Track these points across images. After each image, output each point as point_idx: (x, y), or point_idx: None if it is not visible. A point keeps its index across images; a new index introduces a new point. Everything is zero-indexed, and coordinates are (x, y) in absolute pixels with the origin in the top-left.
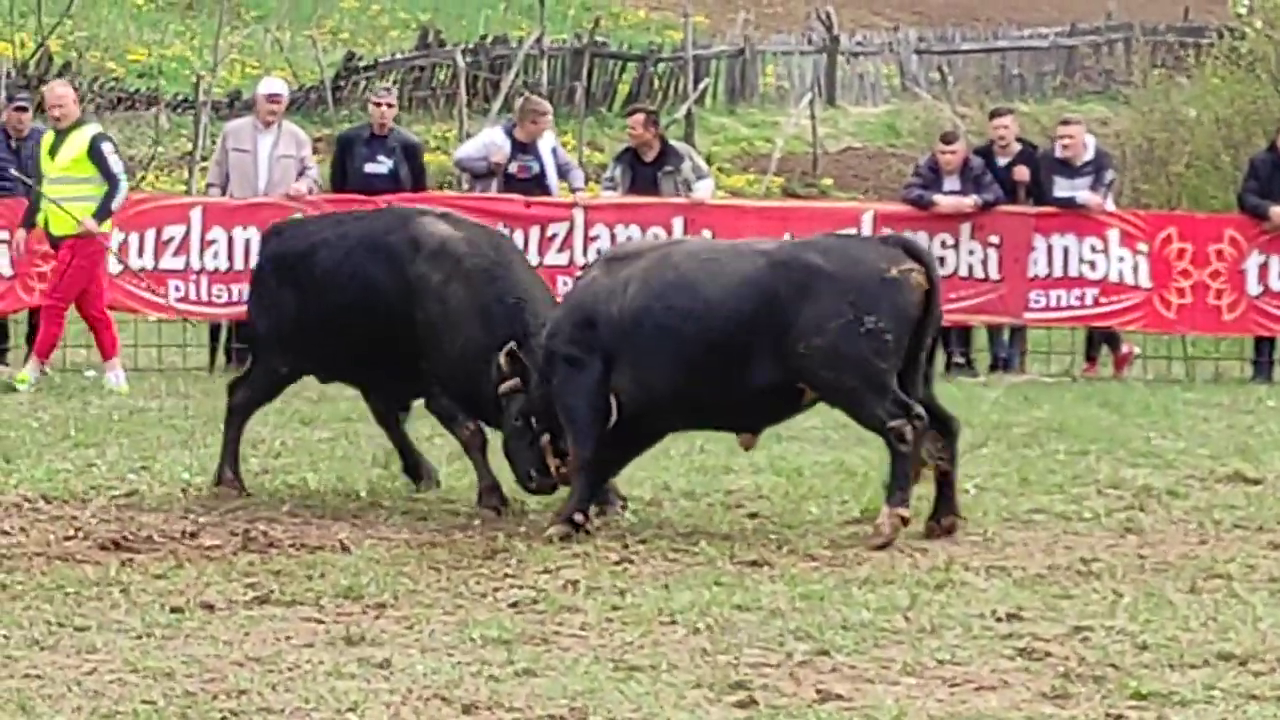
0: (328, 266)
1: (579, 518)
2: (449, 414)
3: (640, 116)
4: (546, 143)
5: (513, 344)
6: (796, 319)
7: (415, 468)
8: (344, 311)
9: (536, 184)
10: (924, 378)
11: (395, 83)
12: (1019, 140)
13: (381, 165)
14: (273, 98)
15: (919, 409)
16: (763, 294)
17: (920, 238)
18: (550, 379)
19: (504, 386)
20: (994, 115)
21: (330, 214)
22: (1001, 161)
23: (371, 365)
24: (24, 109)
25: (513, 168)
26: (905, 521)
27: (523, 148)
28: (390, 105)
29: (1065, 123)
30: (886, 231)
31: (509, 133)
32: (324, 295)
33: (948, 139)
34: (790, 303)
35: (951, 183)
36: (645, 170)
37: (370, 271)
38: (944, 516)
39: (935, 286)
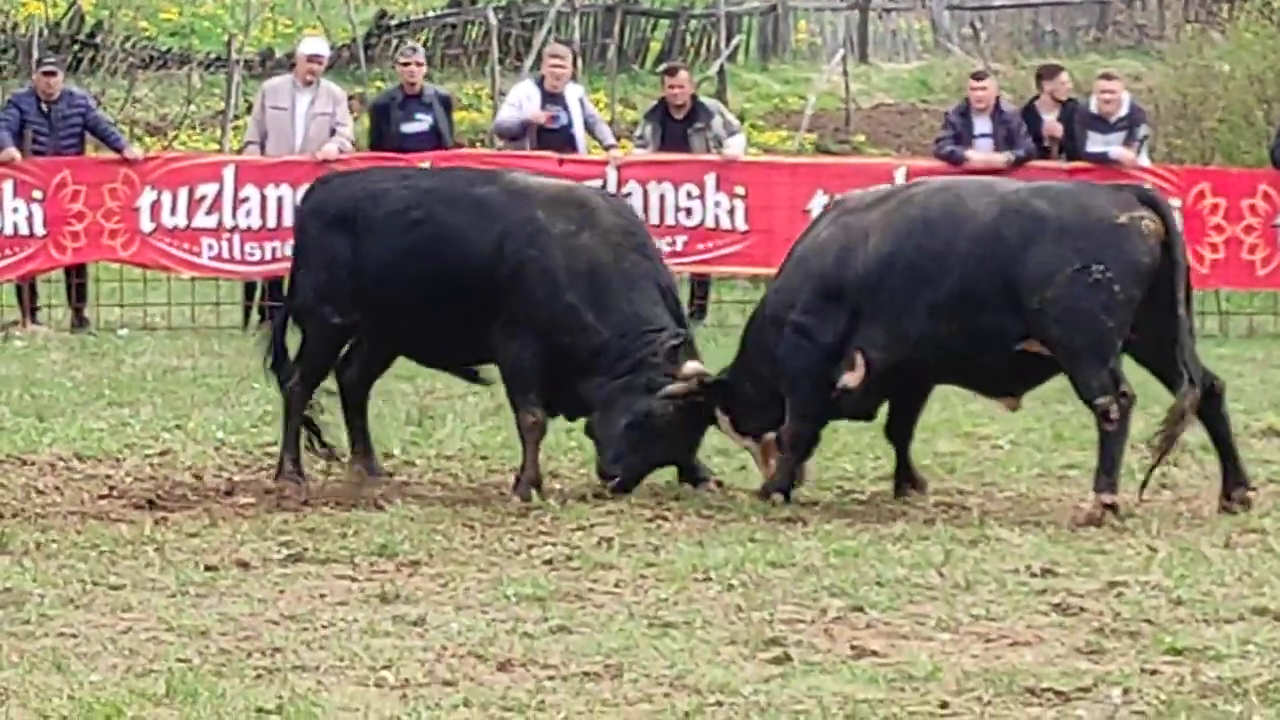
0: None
1: (779, 497)
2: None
3: (686, 74)
4: (574, 94)
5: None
6: (1026, 269)
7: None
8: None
9: (563, 135)
10: (1184, 335)
11: (427, 41)
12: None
13: (420, 123)
14: (313, 58)
15: (1128, 387)
16: (993, 241)
17: None
18: (772, 349)
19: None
20: (1046, 74)
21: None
22: (1048, 116)
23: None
24: (53, 73)
25: (542, 117)
26: (1113, 509)
27: (551, 97)
28: (419, 64)
29: (1106, 77)
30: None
31: (539, 84)
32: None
33: (979, 75)
34: (1019, 251)
35: (982, 123)
36: (676, 127)
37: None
38: (1233, 489)
39: (1173, 235)
